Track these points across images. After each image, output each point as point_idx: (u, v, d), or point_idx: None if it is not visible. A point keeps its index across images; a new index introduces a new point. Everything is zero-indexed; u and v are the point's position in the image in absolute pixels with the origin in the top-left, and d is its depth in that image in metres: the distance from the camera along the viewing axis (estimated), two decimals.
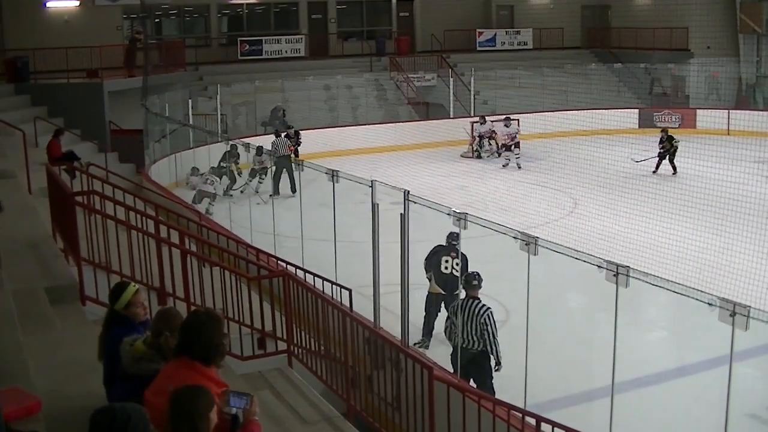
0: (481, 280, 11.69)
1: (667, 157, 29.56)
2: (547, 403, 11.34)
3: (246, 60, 40.33)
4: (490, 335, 11.36)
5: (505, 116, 32.12)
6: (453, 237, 13.44)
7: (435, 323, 14.01)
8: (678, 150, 29.44)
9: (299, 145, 29.09)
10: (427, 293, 14.12)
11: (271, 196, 22.33)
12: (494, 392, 11.10)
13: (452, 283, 13.43)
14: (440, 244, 13.93)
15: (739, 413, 10.54)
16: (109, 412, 4.53)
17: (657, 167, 29.64)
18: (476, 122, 33.58)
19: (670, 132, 30.61)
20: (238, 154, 24.74)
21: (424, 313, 14.00)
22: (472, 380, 11.46)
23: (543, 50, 45.86)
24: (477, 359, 11.48)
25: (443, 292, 13.87)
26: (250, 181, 25.22)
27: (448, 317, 11.89)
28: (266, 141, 26.29)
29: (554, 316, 14.73)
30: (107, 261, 11.01)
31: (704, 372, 12.78)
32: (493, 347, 11.40)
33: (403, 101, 39.64)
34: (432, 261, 14.09)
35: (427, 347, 13.71)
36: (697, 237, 18.95)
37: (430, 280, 14.12)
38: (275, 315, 11.01)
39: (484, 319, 11.34)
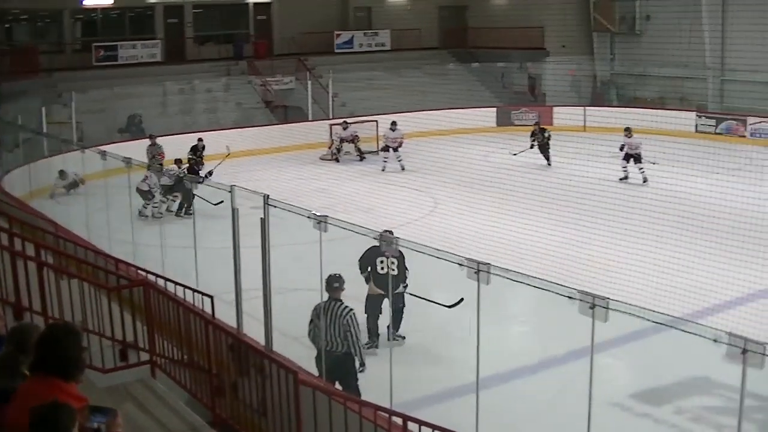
0: (344, 281, 11.72)
1: (540, 148, 31.05)
2: (413, 402, 11.45)
3: (101, 66, 39.27)
4: (353, 336, 11.41)
5: (391, 121, 31.97)
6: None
7: (379, 323, 14.17)
8: (551, 140, 31.15)
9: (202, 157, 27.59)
10: (366, 294, 14.22)
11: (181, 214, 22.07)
12: (360, 393, 11.15)
13: (392, 282, 13.39)
14: (374, 245, 13.33)
15: (603, 402, 10.83)
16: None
17: (548, 160, 31.00)
18: (336, 125, 33.67)
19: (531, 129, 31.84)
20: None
21: (366, 315, 14.06)
22: (337, 382, 11.49)
23: (401, 51, 46.19)
24: (341, 361, 11.51)
25: (382, 293, 13.89)
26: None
27: (311, 320, 11.89)
28: (123, 148, 25.75)
29: (418, 316, 14.86)
30: None
31: (567, 364, 12.98)
32: (357, 348, 11.45)
33: (262, 105, 39.46)
34: (367, 262, 14.21)
35: (376, 347, 13.91)
36: (556, 232, 19.43)
37: (367, 281, 14.24)
38: (137, 325, 10.82)
39: (347, 321, 11.37)
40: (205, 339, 9.99)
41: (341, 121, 33.90)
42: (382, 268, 13.97)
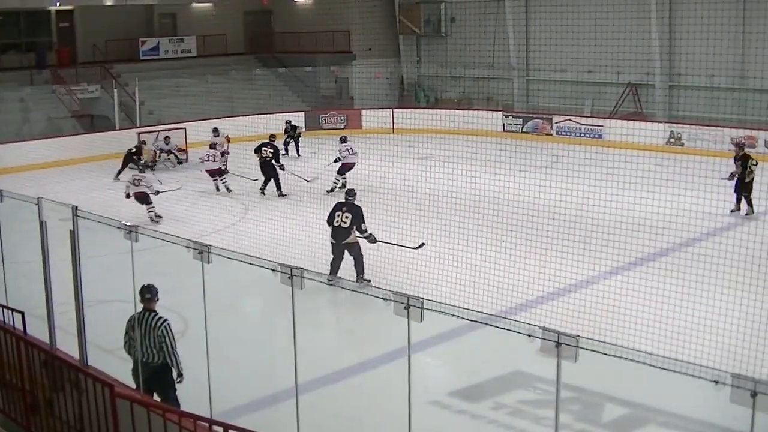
0: (157, 292, 11.57)
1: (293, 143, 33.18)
2: (233, 410, 11.43)
3: None
4: (169, 347, 11.26)
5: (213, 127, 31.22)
6: (350, 193, 17.99)
7: (339, 265, 16.93)
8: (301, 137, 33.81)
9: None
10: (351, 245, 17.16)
11: None
12: (179, 404, 11.05)
13: (340, 235, 17.08)
14: (340, 201, 17.78)
15: (422, 401, 11.06)
16: None
17: (286, 151, 32.92)
18: (145, 134, 33.16)
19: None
20: None
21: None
22: (155, 394, 11.37)
23: (207, 57, 45.77)
24: (158, 372, 11.37)
25: (334, 242, 17.11)
26: None
27: (126, 332, 11.70)
28: None
29: (234, 323, 14.85)
30: None
31: (385, 365, 13.10)
32: (173, 359, 11.33)
33: (67, 114, 38.44)
34: (331, 217, 17.33)
35: (339, 279, 15.71)
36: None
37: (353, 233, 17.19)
38: None
39: (162, 332, 11.21)
40: (17, 356, 9.77)
41: (164, 136, 33.29)
42: (337, 221, 17.14)
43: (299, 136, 34.03)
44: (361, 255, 17.32)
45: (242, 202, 25.42)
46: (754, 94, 32.80)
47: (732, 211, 22.51)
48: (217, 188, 27.52)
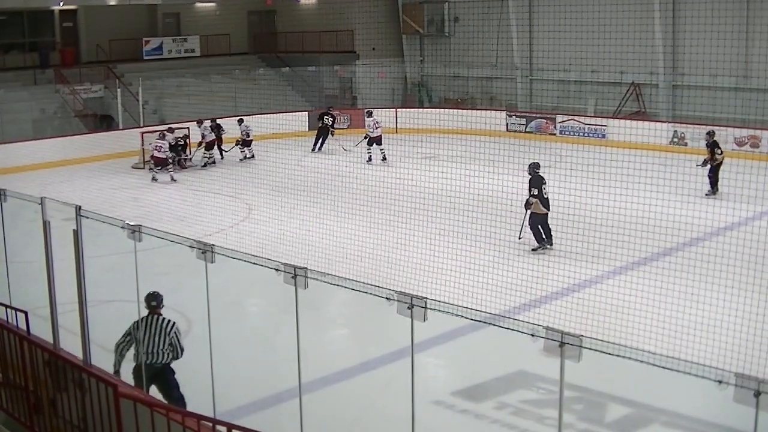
0: (162, 299, 11.55)
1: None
2: (236, 410, 11.44)
3: None
4: (179, 349, 11.30)
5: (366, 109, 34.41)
6: (536, 166, 19.81)
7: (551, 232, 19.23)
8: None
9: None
10: (531, 213, 19.30)
11: None
12: (185, 401, 11.06)
13: (549, 204, 19.43)
14: (536, 173, 19.66)
15: (425, 401, 11.05)
16: None
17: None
18: (148, 133, 33.16)
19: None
20: None
21: (540, 230, 19.29)
22: (161, 395, 11.39)
23: (210, 57, 45.77)
24: (163, 373, 11.40)
25: (546, 212, 19.32)
26: None
27: (128, 333, 11.66)
28: None
29: (237, 323, 14.85)
30: None
31: (388, 365, 13.10)
32: (180, 357, 11.36)
33: (71, 114, 38.46)
34: (538, 188, 19.30)
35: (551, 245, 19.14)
36: (371, 234, 19.66)
37: (536, 204, 19.26)
38: None
39: (174, 333, 11.25)
40: (21, 356, 9.77)
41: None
42: (546, 192, 19.49)
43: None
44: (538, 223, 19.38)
45: (245, 201, 25.41)
46: (757, 94, 32.74)
47: (707, 194, 24.16)
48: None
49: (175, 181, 29.53)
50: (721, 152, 24.88)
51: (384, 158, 31.09)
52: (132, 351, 11.64)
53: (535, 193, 19.39)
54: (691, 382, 6.13)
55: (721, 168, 24.60)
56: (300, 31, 46.47)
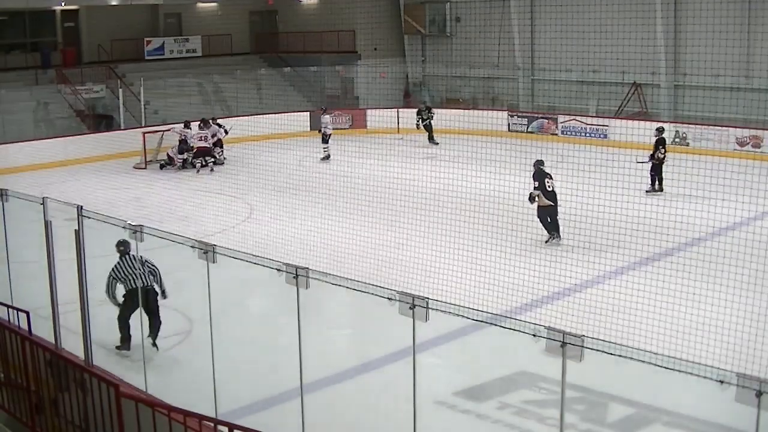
0: (129, 243, 12.90)
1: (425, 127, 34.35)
2: (238, 410, 11.42)
3: None
4: (158, 272, 13.78)
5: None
6: (540, 163, 20.14)
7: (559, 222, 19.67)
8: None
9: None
10: (537, 207, 19.72)
11: None
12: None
13: (556, 197, 19.82)
14: (540, 168, 20.03)
15: (427, 401, 11.03)
16: None
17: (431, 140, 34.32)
18: (149, 132, 33.19)
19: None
20: None
21: (546, 222, 19.74)
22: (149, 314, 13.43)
23: (212, 57, 45.80)
24: (151, 294, 13.56)
25: (552, 204, 19.69)
26: None
27: (110, 280, 13.49)
28: None
29: (239, 323, 14.85)
30: None
31: (389, 365, 13.11)
32: (160, 281, 13.83)
33: (72, 114, 38.47)
34: (540, 182, 19.70)
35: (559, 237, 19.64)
36: (372, 234, 19.66)
37: (539, 197, 19.68)
38: None
39: (150, 262, 13.68)
40: (22, 356, 9.78)
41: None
42: (549, 186, 19.77)
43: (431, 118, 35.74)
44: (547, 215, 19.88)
45: (247, 202, 25.41)
46: (759, 94, 32.70)
47: (647, 192, 24.58)
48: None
49: (213, 171, 30.82)
50: (665, 151, 24.89)
51: (327, 157, 31.92)
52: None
53: (536, 185, 19.75)
54: (693, 382, 6.13)
55: (664, 167, 24.74)
56: (302, 31, 46.51)
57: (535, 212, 19.78)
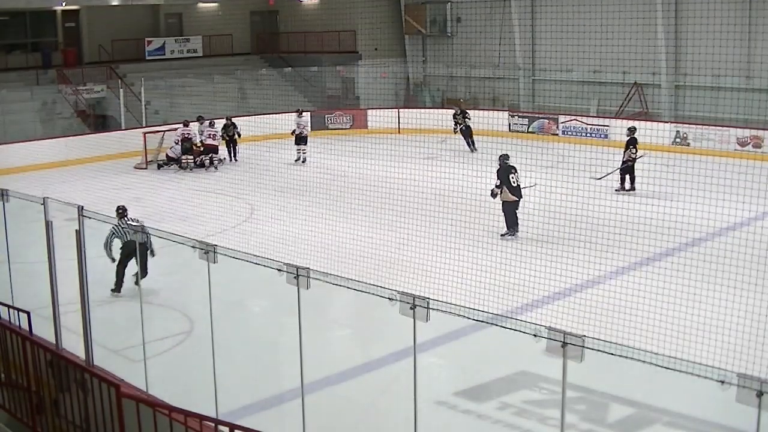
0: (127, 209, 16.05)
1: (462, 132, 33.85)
2: (239, 410, 11.42)
3: None
4: (148, 232, 14.11)
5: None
6: (505, 157, 20.37)
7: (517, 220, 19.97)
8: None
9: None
10: (502, 202, 20.14)
11: None
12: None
13: (520, 192, 20.06)
14: (509, 165, 20.24)
15: (428, 401, 11.04)
16: None
17: (471, 146, 33.65)
18: (150, 133, 33.17)
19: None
20: None
21: (508, 216, 20.06)
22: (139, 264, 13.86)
23: (213, 57, 45.84)
24: (142, 247, 14.48)
25: (516, 199, 19.96)
26: None
27: (111, 237, 15.43)
28: None
29: (239, 323, 14.86)
30: None
31: (390, 365, 13.12)
32: (149, 239, 15.12)
33: (73, 114, 38.48)
34: (503, 178, 19.94)
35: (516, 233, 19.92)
36: (373, 234, 19.66)
37: (501, 193, 20.03)
38: None
39: (142, 223, 15.88)
40: (23, 356, 9.78)
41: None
42: (514, 181, 19.96)
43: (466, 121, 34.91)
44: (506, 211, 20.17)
45: (247, 202, 25.41)
46: (760, 94, 32.72)
47: (617, 190, 24.75)
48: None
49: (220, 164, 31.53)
50: (636, 150, 25.14)
51: (303, 160, 31.80)
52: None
53: (497, 183, 20.14)
54: (694, 382, 6.13)
55: (636, 166, 24.98)
56: (302, 31, 46.56)
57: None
